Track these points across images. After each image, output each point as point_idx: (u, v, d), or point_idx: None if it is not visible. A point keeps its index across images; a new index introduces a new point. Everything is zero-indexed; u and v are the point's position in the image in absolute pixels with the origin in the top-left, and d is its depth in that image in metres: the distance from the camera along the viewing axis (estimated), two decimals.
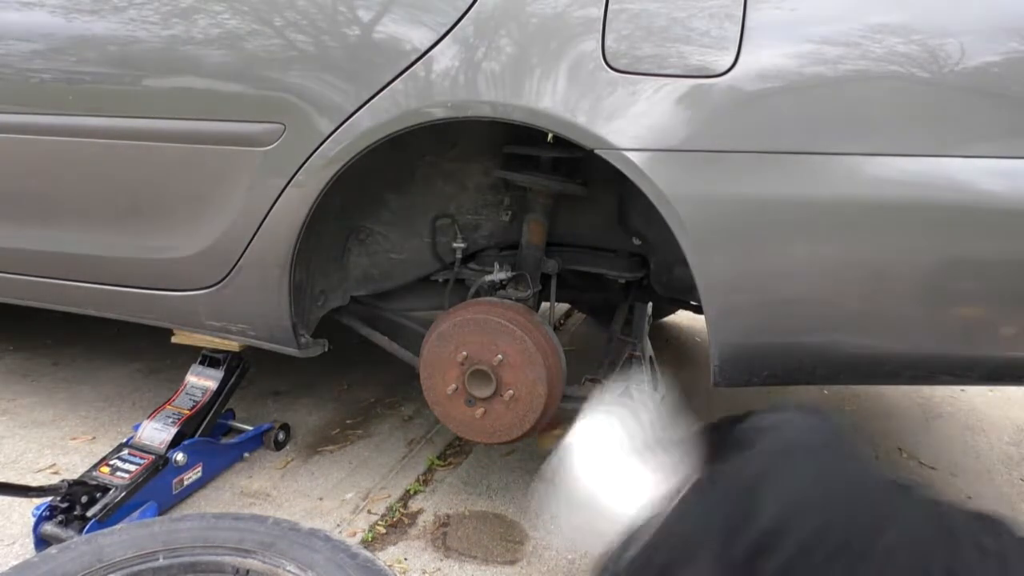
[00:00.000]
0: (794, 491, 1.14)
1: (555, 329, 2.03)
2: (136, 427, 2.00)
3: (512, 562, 1.77)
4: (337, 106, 1.54)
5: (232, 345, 2.04)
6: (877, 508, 1.10)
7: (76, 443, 2.22)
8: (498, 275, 1.86)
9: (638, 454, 1.26)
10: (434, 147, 1.82)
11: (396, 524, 1.90)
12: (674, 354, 3.12)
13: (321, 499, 1.99)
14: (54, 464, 2.11)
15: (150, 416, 2.01)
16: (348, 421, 2.42)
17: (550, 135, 1.52)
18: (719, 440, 1.43)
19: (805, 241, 1.36)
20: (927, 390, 2.82)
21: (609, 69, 1.37)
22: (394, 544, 1.82)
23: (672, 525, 1.16)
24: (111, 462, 1.87)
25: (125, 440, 1.97)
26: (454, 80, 1.46)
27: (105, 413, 2.41)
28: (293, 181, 1.61)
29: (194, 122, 1.69)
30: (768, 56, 1.31)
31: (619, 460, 1.24)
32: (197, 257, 1.80)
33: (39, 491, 1.71)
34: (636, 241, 1.86)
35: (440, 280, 2.00)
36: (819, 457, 1.21)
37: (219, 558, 1.34)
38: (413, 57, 1.48)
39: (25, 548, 1.74)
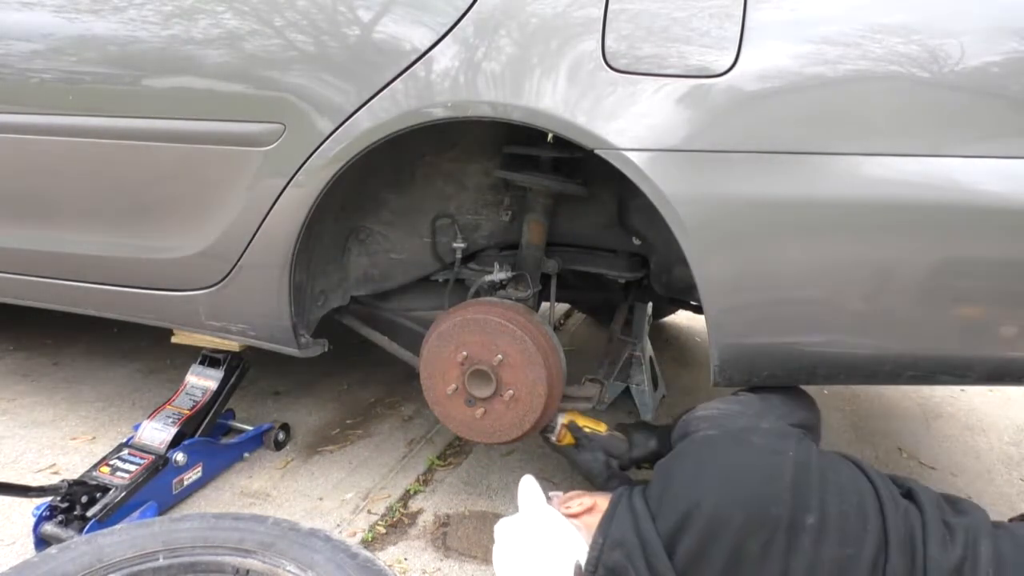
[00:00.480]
0: (696, 480, 1.25)
1: (555, 329, 2.03)
2: (136, 427, 2.00)
3: None
4: (337, 106, 1.54)
5: (232, 345, 2.04)
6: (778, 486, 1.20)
7: (76, 443, 2.22)
8: (498, 275, 1.86)
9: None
10: (434, 147, 1.82)
11: (396, 524, 1.90)
12: (674, 354, 3.12)
13: (321, 499, 1.99)
14: (54, 464, 2.12)
15: (150, 416, 2.01)
16: (348, 421, 2.42)
17: (550, 135, 1.52)
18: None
19: (805, 241, 1.36)
20: (927, 390, 2.82)
21: (609, 69, 1.37)
22: (394, 544, 1.82)
23: (604, 532, 1.27)
24: (111, 462, 1.87)
25: (125, 440, 1.97)
26: (454, 80, 1.46)
27: (105, 413, 2.41)
28: (293, 181, 1.61)
29: (194, 122, 1.69)
30: (768, 56, 1.31)
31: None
32: (197, 257, 1.80)
33: (39, 491, 1.71)
34: (636, 241, 1.86)
35: (440, 280, 2.00)
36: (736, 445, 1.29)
37: (219, 558, 1.34)
38: (413, 57, 1.48)
39: (25, 548, 1.74)
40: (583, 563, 1.27)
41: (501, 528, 1.42)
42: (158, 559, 1.33)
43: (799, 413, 1.50)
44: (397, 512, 1.94)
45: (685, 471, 1.30)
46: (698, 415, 1.47)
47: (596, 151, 1.40)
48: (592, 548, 1.27)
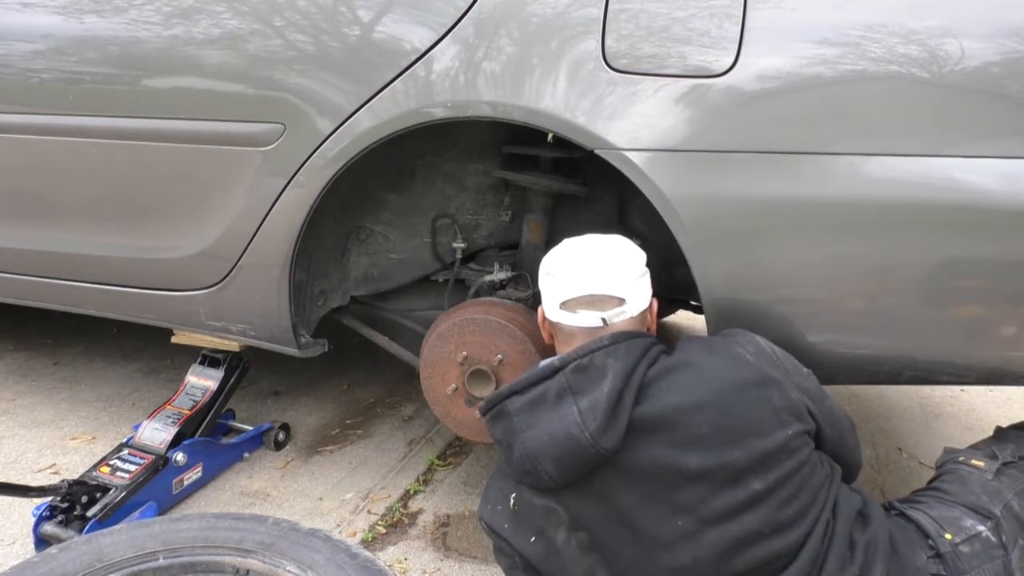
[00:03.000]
0: (705, 383, 1.22)
1: None
2: (136, 427, 2.00)
3: None
4: (337, 106, 1.54)
5: (232, 345, 2.04)
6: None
7: (76, 443, 2.23)
8: (498, 275, 1.86)
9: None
10: (434, 147, 1.82)
11: (396, 524, 1.90)
12: None
13: (321, 499, 1.99)
14: (54, 464, 2.12)
15: (150, 416, 2.01)
16: (348, 421, 2.42)
17: (550, 135, 1.51)
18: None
19: (804, 241, 1.36)
20: (927, 390, 2.82)
21: (609, 69, 1.37)
22: (394, 544, 1.82)
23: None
24: (111, 462, 1.88)
25: (125, 440, 1.97)
26: (454, 80, 1.46)
27: (105, 413, 2.41)
28: (293, 181, 1.61)
29: (194, 122, 1.69)
30: (768, 56, 1.31)
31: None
32: (197, 257, 1.80)
33: (39, 491, 1.72)
34: (636, 241, 1.85)
35: (440, 280, 2.00)
36: (743, 363, 1.24)
37: (219, 558, 1.34)
38: (413, 57, 1.48)
39: (25, 548, 1.75)
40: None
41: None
42: (158, 559, 1.33)
43: None
44: (397, 512, 1.94)
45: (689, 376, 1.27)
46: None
47: (596, 151, 1.40)
48: (596, 341, 1.25)
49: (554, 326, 1.36)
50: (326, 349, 1.92)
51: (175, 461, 1.90)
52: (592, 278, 1.31)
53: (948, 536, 1.26)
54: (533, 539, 1.28)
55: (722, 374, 1.22)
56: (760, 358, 1.26)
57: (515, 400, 1.24)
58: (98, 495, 1.76)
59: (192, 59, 1.66)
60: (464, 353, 1.69)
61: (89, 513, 1.72)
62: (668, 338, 3.31)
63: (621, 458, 1.19)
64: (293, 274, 1.72)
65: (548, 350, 1.68)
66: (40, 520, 1.71)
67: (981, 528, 1.27)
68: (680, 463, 1.17)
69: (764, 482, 1.17)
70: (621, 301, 1.30)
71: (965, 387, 2.84)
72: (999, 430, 1.52)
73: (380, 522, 1.90)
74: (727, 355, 1.25)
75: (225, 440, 2.16)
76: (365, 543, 1.81)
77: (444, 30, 1.46)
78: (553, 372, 1.23)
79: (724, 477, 1.17)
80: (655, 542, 1.19)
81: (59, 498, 1.72)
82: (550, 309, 1.35)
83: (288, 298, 1.74)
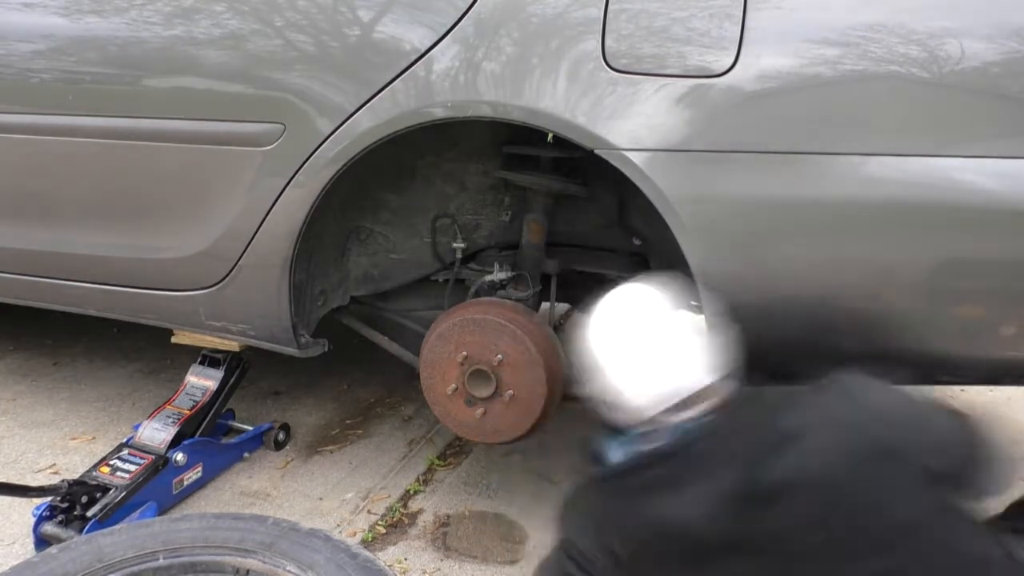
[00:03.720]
0: (816, 460, 1.08)
1: (555, 329, 2.03)
2: (136, 427, 2.00)
3: (512, 562, 1.77)
4: (337, 106, 1.54)
5: (232, 345, 2.04)
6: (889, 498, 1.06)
7: (76, 443, 2.22)
8: (498, 275, 1.86)
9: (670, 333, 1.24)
10: (434, 147, 1.82)
11: (396, 524, 1.90)
12: None
13: (321, 499, 1.99)
14: (54, 464, 2.12)
15: (150, 416, 2.01)
16: (348, 421, 2.42)
17: (550, 135, 1.52)
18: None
19: (805, 241, 1.36)
20: (927, 390, 2.82)
21: (609, 69, 1.37)
22: (394, 544, 1.82)
23: (692, 440, 1.14)
24: (111, 462, 1.88)
25: (125, 440, 1.97)
26: (454, 80, 1.46)
27: (105, 413, 2.41)
28: (293, 181, 1.61)
29: (194, 122, 1.69)
30: (768, 56, 1.31)
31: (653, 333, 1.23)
32: (197, 257, 1.80)
33: (39, 491, 1.72)
34: (636, 241, 1.86)
35: (440, 280, 2.00)
36: (853, 433, 1.11)
37: (219, 558, 1.34)
38: (413, 57, 1.48)
39: (25, 548, 1.75)
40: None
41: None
42: (158, 559, 1.33)
43: None
44: (397, 512, 1.94)
45: (794, 442, 1.13)
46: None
47: (596, 151, 1.40)
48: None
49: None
50: (326, 349, 1.92)
51: (175, 461, 1.90)
52: (671, 390, 1.18)
53: None
54: None
55: (842, 446, 1.10)
56: (879, 419, 1.13)
57: (629, 479, 1.18)
58: (98, 495, 1.76)
59: (192, 59, 1.66)
60: (464, 353, 1.69)
61: (89, 513, 1.72)
62: None
63: (735, 534, 1.10)
64: (293, 274, 1.72)
65: (548, 350, 1.68)
66: (40, 520, 1.71)
67: None
68: (797, 537, 1.08)
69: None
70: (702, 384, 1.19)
71: (965, 387, 2.83)
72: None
73: (380, 522, 1.90)
74: (846, 420, 1.13)
75: (225, 440, 2.16)
76: (365, 543, 1.81)
77: (444, 30, 1.46)
78: (664, 457, 1.15)
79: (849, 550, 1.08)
80: None
81: (59, 498, 1.72)
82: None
83: (288, 298, 1.74)
